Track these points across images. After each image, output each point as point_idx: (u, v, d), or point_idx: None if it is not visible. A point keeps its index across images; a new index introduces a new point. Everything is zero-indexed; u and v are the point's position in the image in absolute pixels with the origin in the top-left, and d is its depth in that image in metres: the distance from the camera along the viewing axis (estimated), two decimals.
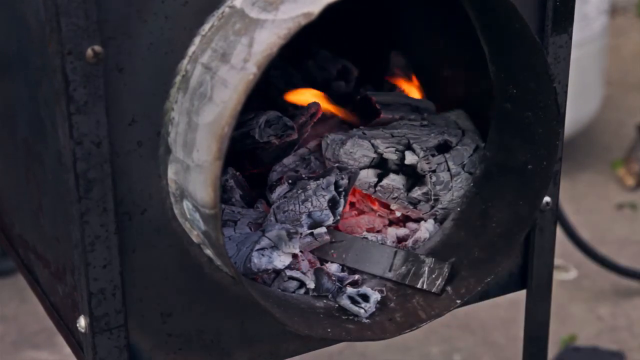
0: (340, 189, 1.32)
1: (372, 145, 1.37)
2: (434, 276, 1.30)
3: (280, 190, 1.35)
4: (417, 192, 1.36)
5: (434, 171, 1.35)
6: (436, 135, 1.38)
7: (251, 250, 1.25)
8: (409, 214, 1.39)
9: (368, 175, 1.36)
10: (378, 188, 1.36)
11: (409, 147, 1.37)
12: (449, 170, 1.36)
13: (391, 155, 1.36)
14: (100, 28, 1.06)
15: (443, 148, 1.37)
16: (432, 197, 1.36)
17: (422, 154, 1.35)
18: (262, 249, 1.26)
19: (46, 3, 1.04)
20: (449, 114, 1.44)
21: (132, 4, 1.08)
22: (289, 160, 1.40)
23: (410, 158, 1.36)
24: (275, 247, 1.27)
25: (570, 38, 1.34)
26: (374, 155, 1.36)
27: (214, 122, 1.07)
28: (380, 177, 1.36)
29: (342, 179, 1.32)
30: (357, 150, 1.36)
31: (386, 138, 1.38)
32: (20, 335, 2.42)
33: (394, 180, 1.36)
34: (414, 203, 1.37)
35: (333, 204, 1.31)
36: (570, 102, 1.46)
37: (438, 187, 1.36)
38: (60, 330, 1.31)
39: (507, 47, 1.25)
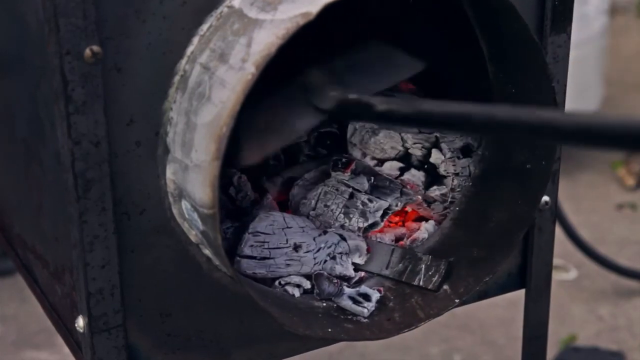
0: (388, 213, 1.34)
1: (402, 138, 1.37)
2: (430, 273, 1.30)
3: (315, 193, 1.36)
4: (435, 192, 1.36)
5: (457, 174, 1.35)
6: (461, 138, 1.38)
7: (329, 254, 1.29)
8: (420, 211, 1.39)
9: (392, 168, 1.37)
10: (401, 178, 1.37)
11: (436, 145, 1.37)
12: (470, 175, 1.36)
13: (416, 151, 1.37)
14: (98, 28, 1.06)
15: (466, 151, 1.37)
16: (449, 200, 1.36)
17: (449, 154, 1.35)
18: (341, 254, 1.30)
19: (45, 3, 1.04)
20: None
21: (130, 4, 1.08)
22: (310, 175, 1.40)
23: (436, 156, 1.36)
24: (347, 254, 1.31)
25: (569, 37, 1.34)
26: (401, 149, 1.37)
27: (212, 122, 1.07)
28: (402, 171, 1.37)
29: (397, 205, 1.34)
30: (388, 142, 1.37)
31: (415, 133, 1.38)
32: (20, 335, 2.42)
33: (415, 176, 1.37)
34: (429, 202, 1.37)
35: (369, 226, 1.33)
36: (570, 102, 1.46)
37: (457, 191, 1.36)
38: (59, 330, 1.31)
39: (507, 47, 1.25)
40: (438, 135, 1.38)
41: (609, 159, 3.19)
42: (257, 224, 1.27)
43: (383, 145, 1.37)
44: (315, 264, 1.29)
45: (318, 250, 1.29)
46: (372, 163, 1.39)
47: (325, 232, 1.31)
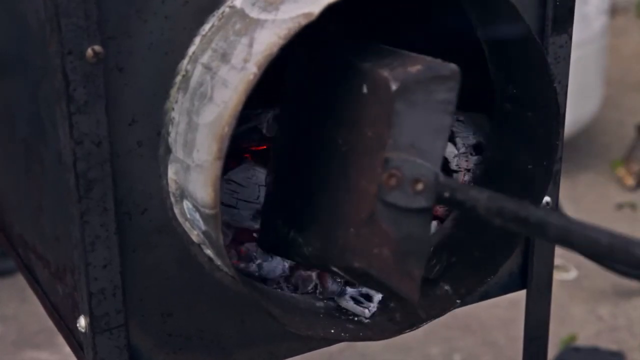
0: None
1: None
2: (432, 263, 1.30)
3: None
4: None
5: (468, 170, 1.35)
6: (475, 135, 1.37)
7: None
8: None
9: None
10: None
11: (450, 138, 1.36)
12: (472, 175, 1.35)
13: None
14: (100, 28, 1.06)
15: (478, 149, 1.36)
16: None
17: (462, 149, 1.35)
18: None
19: (46, 3, 1.04)
20: (476, 115, 1.43)
21: (132, 3, 1.08)
22: None
23: (449, 150, 1.35)
24: None
25: (570, 38, 1.34)
26: None
27: (214, 122, 1.07)
28: None
29: None
30: None
31: None
32: (20, 335, 2.42)
33: None
34: None
35: None
36: (570, 102, 1.46)
37: None
38: (61, 330, 1.31)
39: (507, 47, 1.25)
40: (454, 128, 1.37)
41: (609, 159, 3.19)
42: (233, 174, 1.27)
43: None
44: None
45: None
46: None
47: None
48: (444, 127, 1.12)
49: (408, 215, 1.10)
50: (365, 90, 1.14)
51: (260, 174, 1.29)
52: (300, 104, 1.26)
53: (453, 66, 1.13)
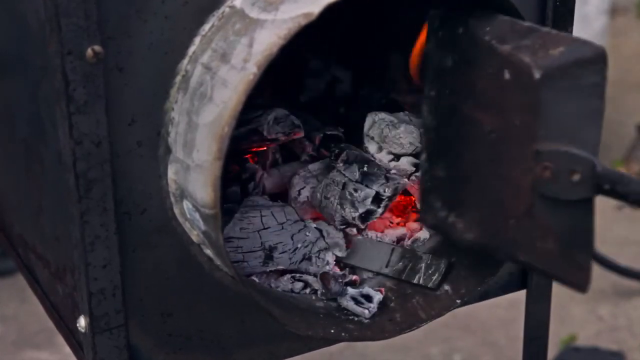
0: (382, 199, 1.32)
1: (420, 134, 1.37)
2: (430, 272, 1.30)
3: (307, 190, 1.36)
4: None
5: None
6: None
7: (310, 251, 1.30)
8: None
9: (407, 163, 1.36)
10: (412, 178, 1.36)
11: None
12: None
13: None
14: (100, 28, 1.06)
15: None
16: None
17: None
18: (318, 251, 1.30)
19: (46, 3, 1.04)
20: None
21: (132, 4, 1.08)
22: (314, 167, 1.40)
23: None
24: (326, 249, 1.31)
25: None
26: (419, 145, 1.36)
27: (214, 122, 1.07)
28: (417, 167, 1.36)
29: (385, 191, 1.32)
30: (407, 137, 1.36)
31: None
32: (20, 335, 2.43)
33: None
34: None
35: (366, 215, 1.32)
36: None
37: None
38: (61, 330, 1.31)
39: None
40: None
41: (609, 159, 3.19)
42: (230, 230, 1.27)
43: (402, 139, 1.36)
44: (290, 264, 1.29)
45: (294, 250, 1.29)
46: (388, 157, 1.38)
47: (305, 226, 1.32)
48: (597, 112, 1.05)
49: (569, 206, 1.06)
50: (507, 76, 1.08)
51: (256, 220, 1.29)
52: (445, 83, 1.21)
53: (598, 47, 1.07)
